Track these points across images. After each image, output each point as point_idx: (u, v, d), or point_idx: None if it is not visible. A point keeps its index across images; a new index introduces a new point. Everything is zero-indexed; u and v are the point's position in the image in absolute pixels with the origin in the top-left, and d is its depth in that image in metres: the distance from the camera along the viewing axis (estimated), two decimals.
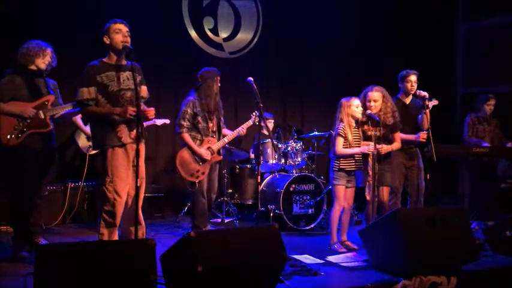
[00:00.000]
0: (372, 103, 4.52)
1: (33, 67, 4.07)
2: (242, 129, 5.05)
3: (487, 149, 5.48)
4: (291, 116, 7.47)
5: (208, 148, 4.84)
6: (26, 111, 3.97)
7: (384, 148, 4.49)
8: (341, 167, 4.44)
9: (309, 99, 7.58)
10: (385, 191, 4.65)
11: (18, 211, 4.06)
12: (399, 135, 4.68)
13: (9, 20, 5.46)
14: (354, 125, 4.48)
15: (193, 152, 4.79)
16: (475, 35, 7.90)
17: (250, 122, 5.14)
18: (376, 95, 4.53)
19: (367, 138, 4.50)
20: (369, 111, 4.48)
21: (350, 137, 4.41)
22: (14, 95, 3.99)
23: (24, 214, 4.06)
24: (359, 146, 4.46)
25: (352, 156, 4.43)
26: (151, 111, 3.66)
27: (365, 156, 4.49)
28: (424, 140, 4.65)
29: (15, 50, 4.10)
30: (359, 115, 4.44)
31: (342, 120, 4.46)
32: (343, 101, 4.49)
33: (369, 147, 4.37)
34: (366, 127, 4.51)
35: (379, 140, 4.43)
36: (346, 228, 4.64)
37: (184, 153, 4.81)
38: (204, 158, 4.78)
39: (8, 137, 3.92)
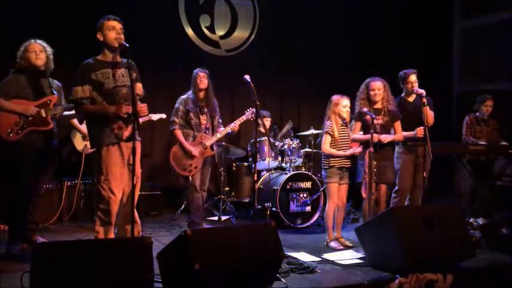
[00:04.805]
0: (377, 91, 4.66)
1: (31, 65, 4.10)
2: (234, 125, 5.04)
3: (483, 147, 5.55)
4: (287, 114, 7.47)
5: (201, 143, 4.89)
6: (28, 109, 4.05)
7: (383, 137, 4.55)
8: (331, 164, 4.51)
9: (306, 97, 7.57)
10: (384, 188, 4.67)
11: (15, 208, 4.09)
12: (400, 127, 4.73)
13: (11, 20, 5.46)
14: (341, 122, 4.54)
15: (184, 148, 4.85)
16: (472, 33, 7.91)
17: (243, 118, 5.11)
18: (379, 84, 4.68)
19: (368, 127, 4.50)
20: (365, 109, 4.54)
21: (336, 134, 4.50)
22: (18, 94, 4.07)
23: (21, 211, 4.09)
24: (346, 144, 4.53)
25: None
26: (143, 107, 3.63)
27: (363, 153, 4.52)
28: (421, 135, 4.65)
29: (17, 49, 4.16)
30: (345, 115, 4.53)
31: (329, 118, 4.55)
32: (333, 98, 4.58)
33: (355, 149, 4.45)
34: (367, 117, 4.53)
35: (382, 128, 4.54)
36: (340, 226, 4.67)
37: (177, 149, 4.90)
38: (192, 155, 4.83)
39: (8, 132, 3.99)
